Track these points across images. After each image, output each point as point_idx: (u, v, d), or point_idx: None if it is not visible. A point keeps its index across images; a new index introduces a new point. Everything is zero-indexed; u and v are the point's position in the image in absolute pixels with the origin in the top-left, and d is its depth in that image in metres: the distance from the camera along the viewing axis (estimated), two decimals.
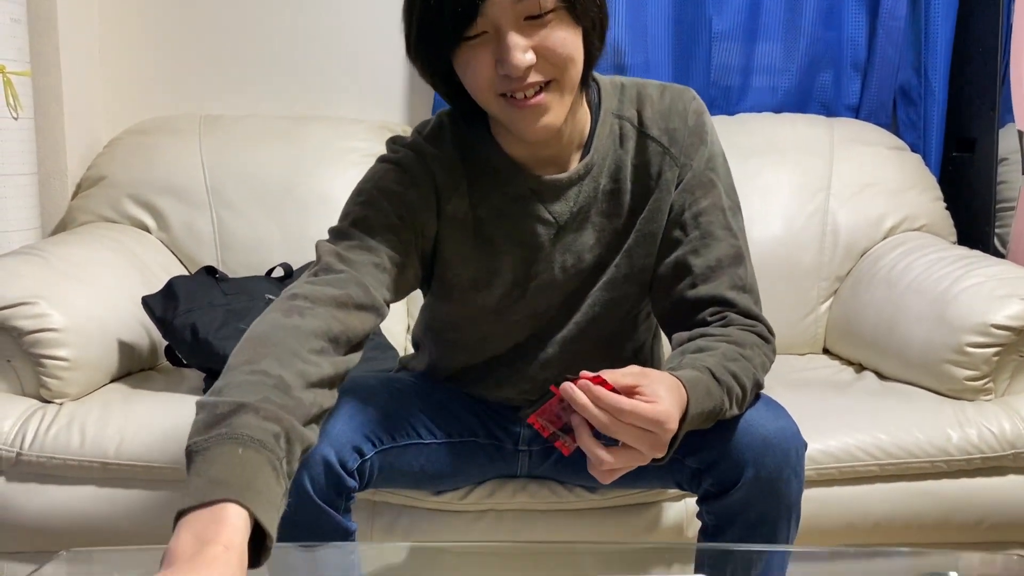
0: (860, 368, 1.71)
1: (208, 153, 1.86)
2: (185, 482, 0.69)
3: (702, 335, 0.99)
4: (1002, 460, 1.36)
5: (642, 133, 1.05)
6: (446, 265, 1.06)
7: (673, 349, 1.02)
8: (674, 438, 0.85)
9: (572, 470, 1.22)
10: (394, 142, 1.06)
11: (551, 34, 0.90)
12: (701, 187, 1.04)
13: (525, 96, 0.92)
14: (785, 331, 1.78)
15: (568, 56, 0.92)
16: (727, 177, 1.07)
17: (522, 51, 0.89)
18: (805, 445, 0.99)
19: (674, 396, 0.85)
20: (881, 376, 1.63)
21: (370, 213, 0.98)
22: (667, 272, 1.05)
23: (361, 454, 1.00)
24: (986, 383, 1.43)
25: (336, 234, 0.99)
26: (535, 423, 0.87)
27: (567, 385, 0.83)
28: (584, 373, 0.83)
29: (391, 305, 0.99)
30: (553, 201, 1.04)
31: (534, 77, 0.91)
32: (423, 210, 1.02)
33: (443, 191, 1.03)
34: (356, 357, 0.92)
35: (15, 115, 1.66)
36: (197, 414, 0.75)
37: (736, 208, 1.07)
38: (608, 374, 0.83)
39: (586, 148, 1.04)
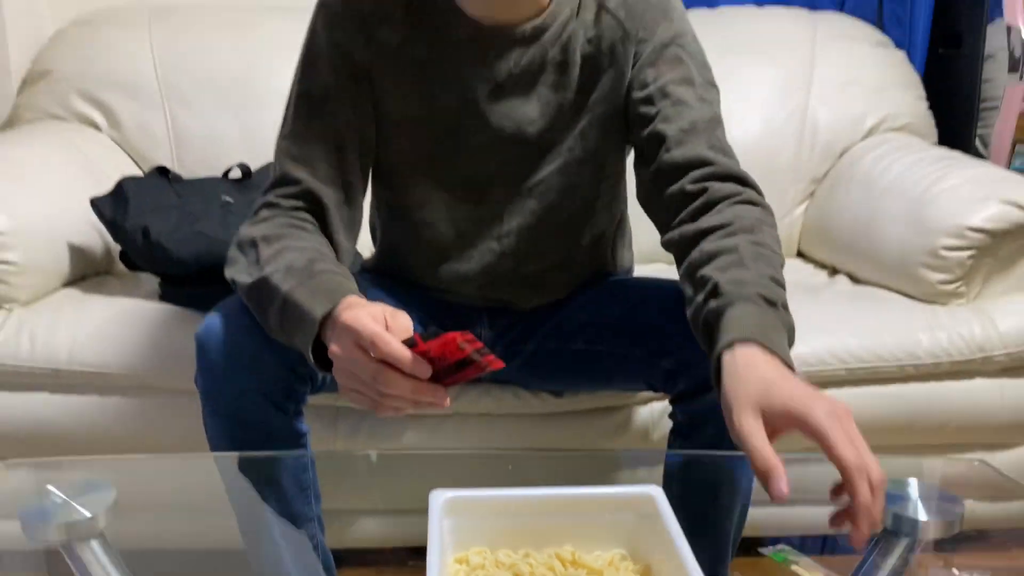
0: (834, 271, 1.68)
1: (159, 45, 1.75)
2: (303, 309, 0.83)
3: (700, 233, 0.88)
4: (971, 364, 1.35)
5: (601, 6, 0.99)
6: (384, 94, 1.00)
7: (678, 265, 0.90)
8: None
9: (536, 374, 1.20)
10: None
11: None
12: (667, 62, 0.98)
13: None
14: None
15: None
16: (700, 56, 1.01)
17: None
18: None
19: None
20: (855, 280, 1.61)
21: (310, 86, 0.99)
22: (642, 148, 0.99)
23: None
24: (959, 287, 1.41)
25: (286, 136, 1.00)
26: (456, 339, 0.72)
27: None
28: None
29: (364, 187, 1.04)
30: (495, 57, 0.99)
31: None
32: (349, 42, 0.98)
33: (370, 18, 0.98)
34: None
35: None
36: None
37: (710, 85, 1.00)
38: None
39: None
